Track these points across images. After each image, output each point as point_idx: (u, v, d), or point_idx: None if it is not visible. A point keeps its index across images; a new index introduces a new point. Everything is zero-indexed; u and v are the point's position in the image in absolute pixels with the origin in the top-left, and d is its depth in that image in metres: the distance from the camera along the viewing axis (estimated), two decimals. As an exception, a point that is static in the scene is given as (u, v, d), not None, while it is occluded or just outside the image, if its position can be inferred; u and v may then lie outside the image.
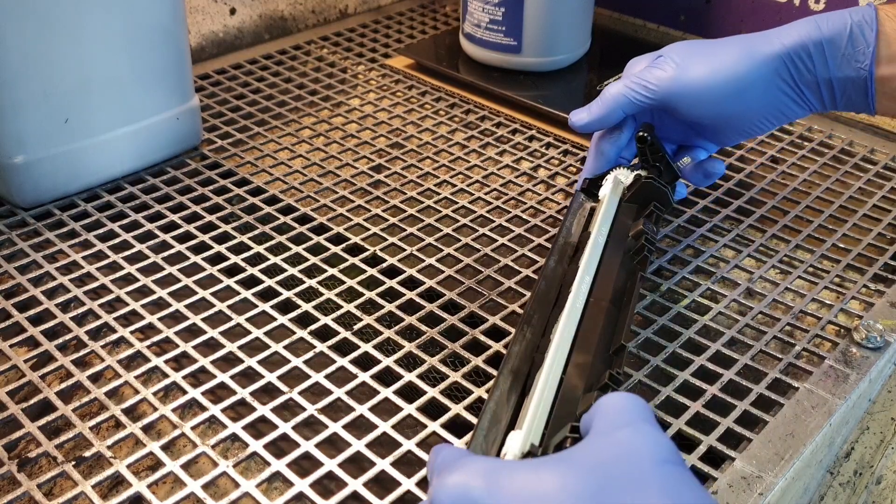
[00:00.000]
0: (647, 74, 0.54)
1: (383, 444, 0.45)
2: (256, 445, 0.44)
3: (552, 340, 0.42)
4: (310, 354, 0.50)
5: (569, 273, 0.49)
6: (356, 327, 0.52)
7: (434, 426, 0.46)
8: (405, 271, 0.57)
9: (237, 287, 0.55)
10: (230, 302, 0.54)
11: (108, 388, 0.48)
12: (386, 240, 0.60)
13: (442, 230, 0.61)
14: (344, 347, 0.51)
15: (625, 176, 0.55)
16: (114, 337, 0.51)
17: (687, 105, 0.53)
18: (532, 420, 0.37)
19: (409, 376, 0.49)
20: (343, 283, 0.56)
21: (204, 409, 0.47)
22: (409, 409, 0.47)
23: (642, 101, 0.54)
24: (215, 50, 0.85)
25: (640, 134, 0.55)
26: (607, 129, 0.57)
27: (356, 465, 0.44)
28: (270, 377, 0.49)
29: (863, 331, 0.52)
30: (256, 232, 0.61)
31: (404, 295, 0.55)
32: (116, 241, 0.59)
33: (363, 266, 0.58)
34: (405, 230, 0.61)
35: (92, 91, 0.60)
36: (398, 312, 0.54)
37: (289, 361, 0.50)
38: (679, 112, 0.54)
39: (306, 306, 0.54)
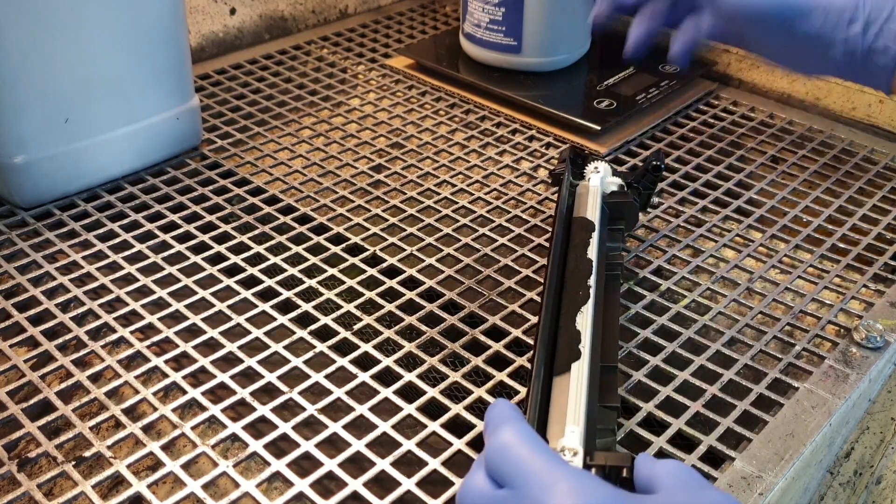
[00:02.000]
0: None
1: (383, 444, 0.45)
2: (256, 445, 0.44)
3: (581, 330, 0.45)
4: (310, 354, 0.50)
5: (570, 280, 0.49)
6: (356, 327, 0.52)
7: (434, 426, 0.46)
8: (405, 271, 0.57)
9: (237, 287, 0.55)
10: (230, 302, 0.54)
11: (108, 388, 0.48)
12: (386, 240, 0.60)
13: (442, 230, 0.61)
14: (344, 347, 0.51)
15: (611, 181, 0.56)
16: (114, 337, 0.51)
17: None
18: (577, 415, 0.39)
19: (409, 376, 0.49)
20: (343, 283, 0.56)
21: (204, 409, 0.47)
22: (409, 409, 0.47)
23: None
24: (215, 50, 0.85)
25: (656, 163, 0.57)
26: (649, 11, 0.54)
27: (356, 465, 0.44)
28: (270, 377, 0.49)
29: (863, 331, 0.52)
30: (256, 232, 0.61)
31: (404, 295, 0.55)
32: (116, 241, 0.59)
33: (363, 266, 0.58)
34: (405, 230, 0.61)
35: (92, 91, 0.60)
36: (398, 312, 0.54)
37: (289, 361, 0.50)
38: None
39: (306, 306, 0.54)
